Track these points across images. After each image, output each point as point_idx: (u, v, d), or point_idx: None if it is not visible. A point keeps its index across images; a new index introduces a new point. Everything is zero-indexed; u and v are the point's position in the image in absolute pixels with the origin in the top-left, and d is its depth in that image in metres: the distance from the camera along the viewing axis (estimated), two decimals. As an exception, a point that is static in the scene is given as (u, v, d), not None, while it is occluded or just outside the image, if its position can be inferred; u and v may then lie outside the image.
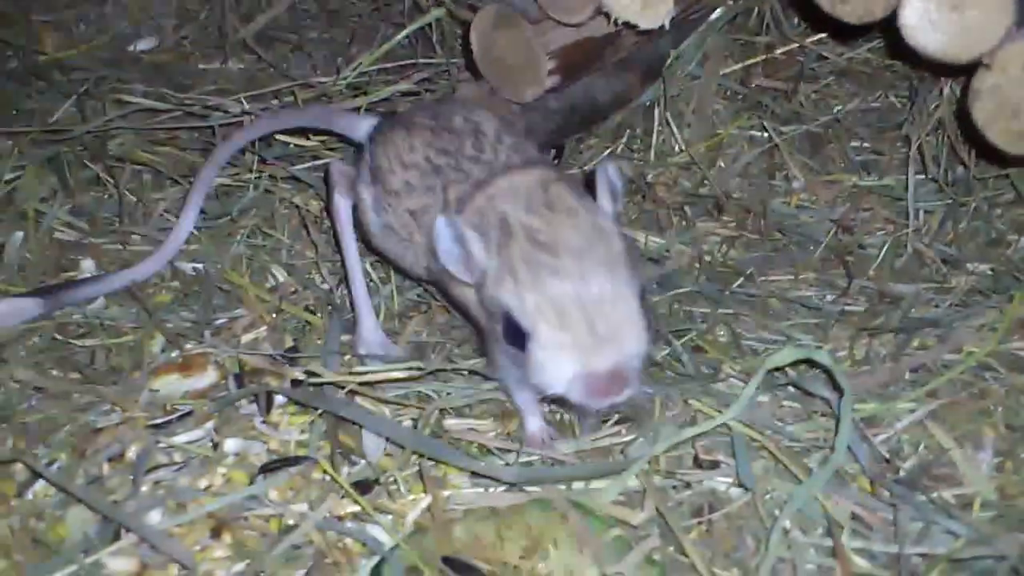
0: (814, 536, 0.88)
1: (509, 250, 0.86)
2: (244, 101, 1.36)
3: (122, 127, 1.40)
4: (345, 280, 1.13)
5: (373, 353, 1.08)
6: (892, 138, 1.31)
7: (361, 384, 1.01)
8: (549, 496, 0.91)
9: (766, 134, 1.33)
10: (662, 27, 1.05)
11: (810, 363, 0.99)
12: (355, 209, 1.12)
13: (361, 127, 1.15)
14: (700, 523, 0.91)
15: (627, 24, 1.06)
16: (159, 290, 1.18)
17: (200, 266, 1.21)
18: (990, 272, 1.14)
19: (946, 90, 1.18)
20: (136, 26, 1.67)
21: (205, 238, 1.24)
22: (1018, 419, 0.98)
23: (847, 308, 1.13)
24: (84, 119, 1.41)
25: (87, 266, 1.22)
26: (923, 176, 1.24)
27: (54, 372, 1.07)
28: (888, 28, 0.94)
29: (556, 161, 1.29)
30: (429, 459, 0.95)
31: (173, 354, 1.09)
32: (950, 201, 1.21)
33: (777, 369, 1.01)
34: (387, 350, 1.08)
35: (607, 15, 1.07)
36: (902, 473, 0.93)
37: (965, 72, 0.93)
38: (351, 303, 1.13)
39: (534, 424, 0.99)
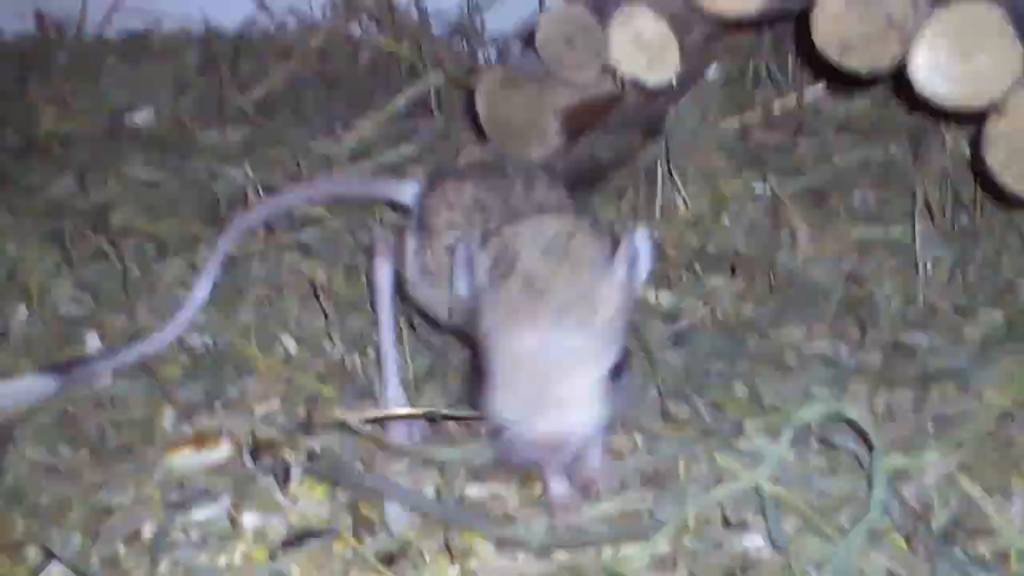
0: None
1: (504, 285, 0.86)
2: (248, 169, 1.35)
3: (123, 199, 1.40)
4: (377, 347, 1.13)
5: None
6: (895, 189, 1.31)
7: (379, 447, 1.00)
8: (580, 562, 0.89)
9: (769, 190, 1.34)
10: (668, 85, 1.06)
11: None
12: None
13: (407, 188, 1.18)
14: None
15: (633, 83, 1.07)
16: (168, 363, 1.17)
17: (208, 340, 1.20)
18: (1002, 320, 1.14)
19: (948, 139, 1.19)
20: (133, 99, 1.67)
21: (211, 309, 1.23)
22: (1048, 468, 0.97)
23: (863, 360, 1.13)
24: (85, 192, 1.40)
25: (92, 340, 1.21)
26: (930, 226, 1.24)
27: (65, 450, 1.05)
28: (897, 78, 0.95)
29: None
30: (454, 528, 0.93)
31: (185, 428, 1.07)
32: (957, 250, 1.21)
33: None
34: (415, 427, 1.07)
35: (613, 74, 1.07)
36: (935, 527, 0.92)
37: (976, 119, 0.94)
38: (377, 364, 1.12)
39: (558, 488, 0.97)
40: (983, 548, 0.90)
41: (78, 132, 1.58)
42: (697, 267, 1.25)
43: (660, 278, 1.24)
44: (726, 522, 0.95)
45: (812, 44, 0.98)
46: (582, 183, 1.31)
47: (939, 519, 0.93)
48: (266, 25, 1.76)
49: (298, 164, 1.43)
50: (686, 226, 1.31)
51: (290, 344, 1.20)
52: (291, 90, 1.65)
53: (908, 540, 0.90)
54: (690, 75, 1.25)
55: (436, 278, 1.05)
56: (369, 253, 1.16)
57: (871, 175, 1.34)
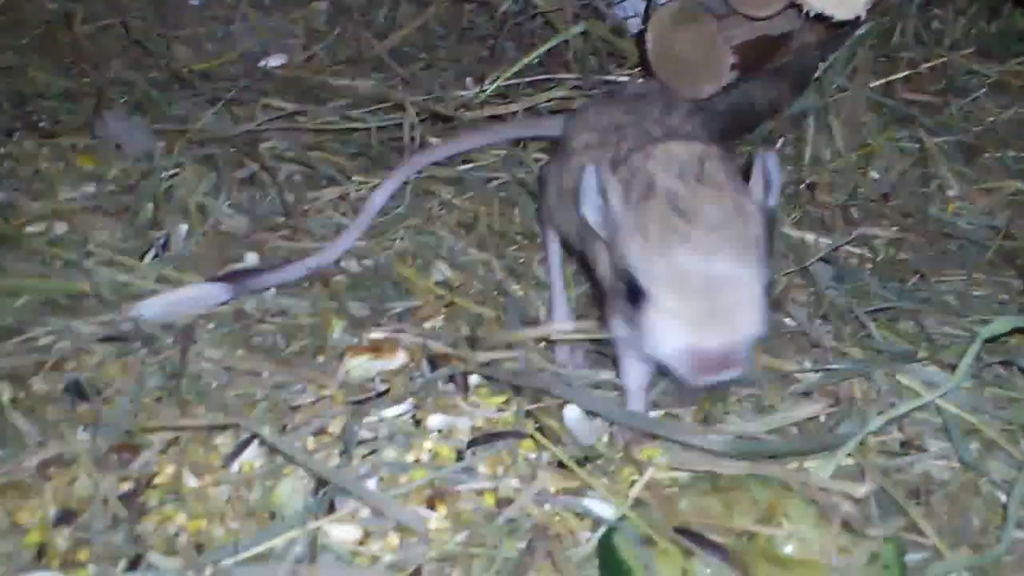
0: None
1: (646, 208, 0.85)
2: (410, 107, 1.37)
3: (269, 132, 1.42)
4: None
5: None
6: (1045, 147, 1.32)
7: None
8: (773, 471, 0.90)
9: (917, 145, 1.34)
10: (856, 19, 1.07)
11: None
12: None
13: (559, 122, 1.20)
14: (919, 503, 0.90)
15: (819, 17, 1.08)
16: (332, 282, 1.18)
17: (368, 262, 1.21)
18: None
19: None
20: (264, 45, 1.69)
21: (368, 236, 1.25)
22: None
23: (1024, 306, 1.13)
24: (234, 123, 1.43)
25: (251, 259, 1.23)
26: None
27: (241, 352, 1.07)
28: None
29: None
30: (643, 435, 0.94)
31: (352, 339, 1.09)
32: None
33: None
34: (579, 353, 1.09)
35: (799, 8, 1.08)
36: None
37: None
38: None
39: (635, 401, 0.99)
40: None
41: (216, 72, 1.60)
42: (853, 212, 1.26)
43: (815, 221, 1.26)
44: (904, 445, 0.96)
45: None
46: (738, 126, 1.32)
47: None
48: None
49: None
50: (836, 175, 1.31)
51: (446, 270, 1.21)
52: (422, 42, 1.67)
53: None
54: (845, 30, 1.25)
55: (566, 203, 1.05)
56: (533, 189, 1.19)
57: (1021, 133, 1.34)
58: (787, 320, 1.09)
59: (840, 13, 1.06)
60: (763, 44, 1.18)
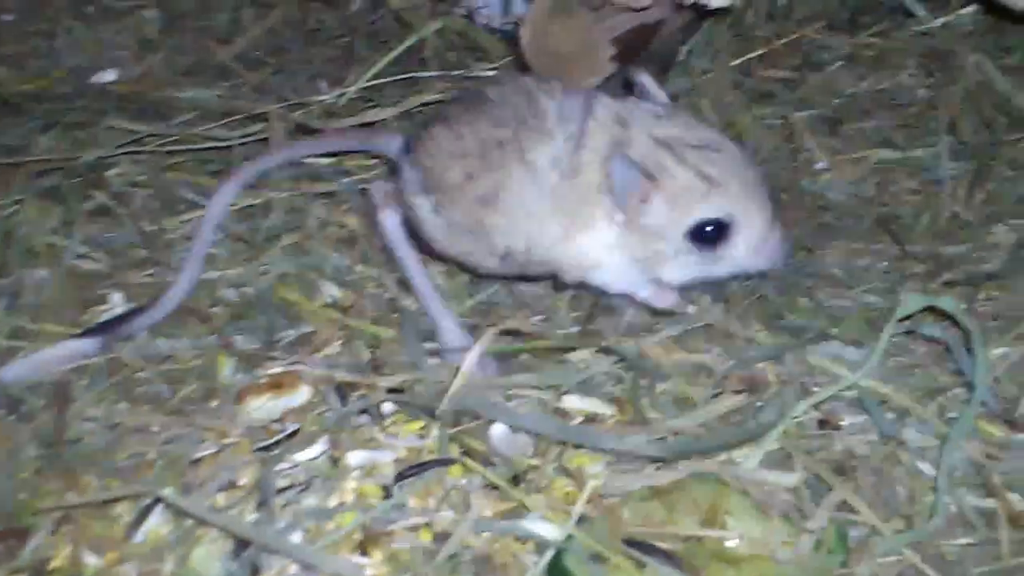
0: (964, 479, 0.91)
1: (688, 161, 0.95)
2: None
3: (116, 157, 1.31)
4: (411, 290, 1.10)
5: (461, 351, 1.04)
6: (906, 115, 1.36)
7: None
8: (706, 468, 0.90)
9: (781, 121, 1.36)
10: (724, 9, 1.07)
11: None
12: (408, 222, 1.09)
13: (394, 144, 1.15)
14: (846, 480, 0.91)
15: (694, 5, 1.07)
16: (213, 315, 1.11)
17: (248, 289, 1.14)
18: (1029, 226, 1.20)
19: (973, 61, 1.24)
20: (92, 59, 1.57)
21: (241, 261, 1.18)
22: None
23: (908, 270, 1.17)
24: (74, 150, 1.31)
25: (116, 300, 1.13)
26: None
27: (123, 407, 0.99)
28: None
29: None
30: (574, 446, 0.92)
31: (242, 376, 1.02)
32: (976, 166, 1.27)
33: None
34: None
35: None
36: (1021, 412, 0.97)
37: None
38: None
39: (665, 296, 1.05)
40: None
41: (45, 93, 1.47)
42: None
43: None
44: (824, 422, 0.97)
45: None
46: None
47: (1022, 404, 0.98)
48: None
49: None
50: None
51: (333, 290, 1.15)
52: (271, 44, 1.58)
53: (1012, 425, 0.94)
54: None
55: (468, 231, 1.03)
56: (370, 210, 1.13)
57: (881, 104, 1.38)
58: (690, 309, 1.09)
59: (716, 1, 1.06)
60: (639, 33, 1.17)
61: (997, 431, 0.95)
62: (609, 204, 0.98)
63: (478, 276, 1.13)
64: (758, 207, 0.98)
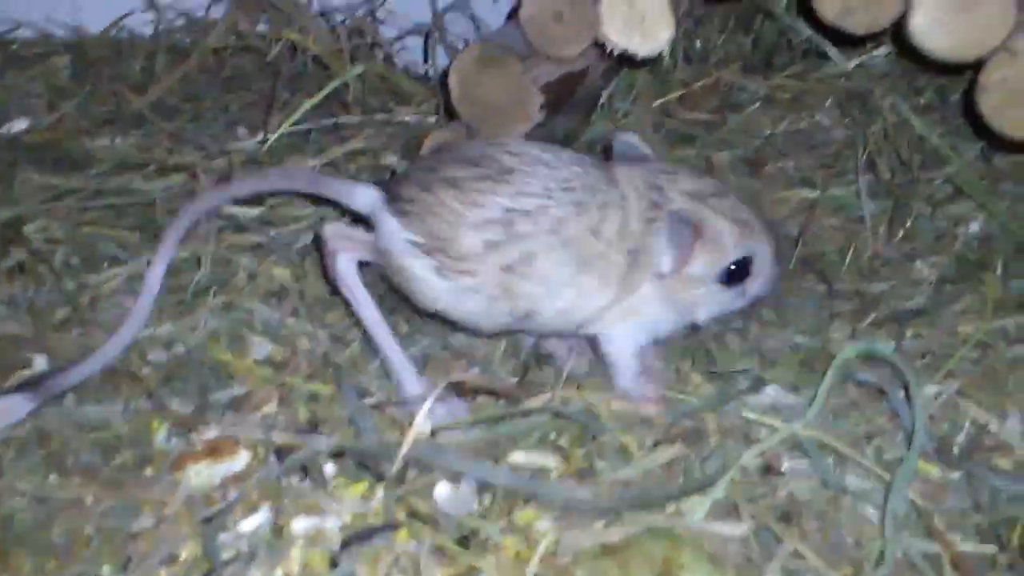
0: (908, 523, 0.92)
1: (718, 209, 1.02)
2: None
3: (32, 212, 1.27)
4: (369, 340, 1.08)
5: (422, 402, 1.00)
6: (824, 155, 1.40)
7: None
8: (656, 523, 0.90)
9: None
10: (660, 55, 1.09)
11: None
12: (385, 276, 1.09)
13: (360, 195, 1.08)
14: (791, 527, 0.93)
15: (624, 57, 1.09)
16: (144, 378, 1.07)
17: (179, 348, 1.11)
18: (948, 262, 1.24)
19: (889, 101, 1.29)
20: (2, 108, 1.52)
21: (169, 319, 1.14)
22: (1032, 387, 1.07)
23: (835, 309, 1.19)
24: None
25: (40, 364, 1.09)
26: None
27: (54, 479, 0.95)
28: (895, 34, 1.02)
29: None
30: (523, 500, 0.91)
31: (184, 443, 1.00)
32: (896, 204, 1.31)
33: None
34: (446, 402, 1.03)
35: (604, 49, 1.09)
36: (956, 451, 0.99)
37: (971, 68, 1.01)
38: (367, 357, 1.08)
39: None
40: (1001, 463, 0.98)
41: (-57, 145, 1.42)
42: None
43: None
44: (767, 469, 0.99)
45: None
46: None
47: (956, 442, 1.00)
48: (143, 24, 1.65)
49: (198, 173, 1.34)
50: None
51: (266, 347, 1.13)
52: (186, 91, 1.55)
53: (948, 463, 0.96)
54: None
55: (487, 296, 1.02)
56: (322, 253, 1.09)
57: (799, 143, 1.41)
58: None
59: (644, 50, 1.08)
60: (567, 81, 1.18)
61: (934, 470, 0.98)
62: (655, 261, 1.02)
63: (473, 334, 1.13)
64: (768, 239, 1.06)
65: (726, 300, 1.07)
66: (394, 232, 1.04)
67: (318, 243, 1.11)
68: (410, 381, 1.05)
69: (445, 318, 1.09)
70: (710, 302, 1.06)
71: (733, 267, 1.04)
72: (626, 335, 1.06)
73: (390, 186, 1.07)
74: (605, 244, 1.00)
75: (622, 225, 1.01)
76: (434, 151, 1.14)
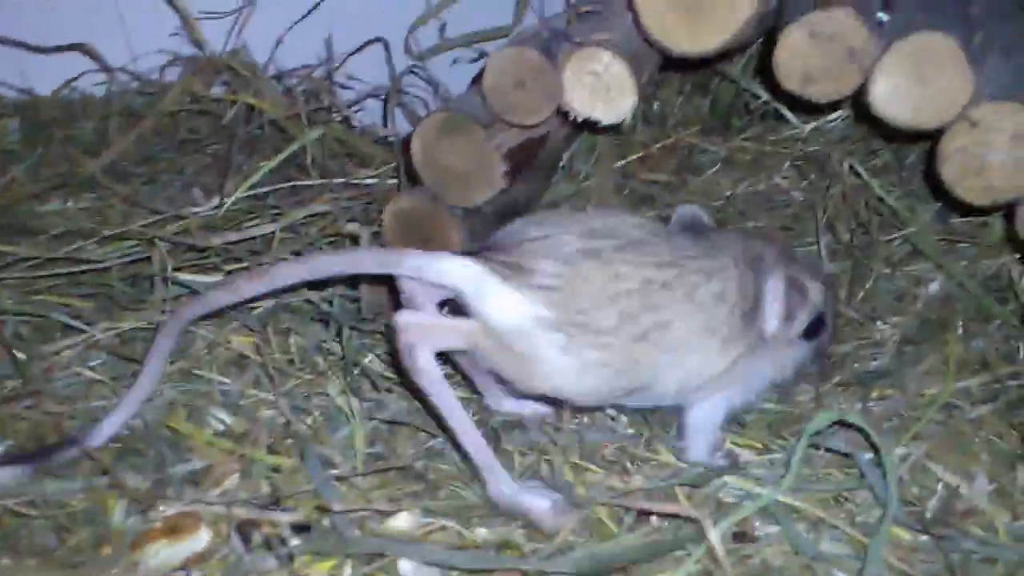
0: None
1: (804, 269, 1.08)
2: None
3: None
4: (452, 439, 1.01)
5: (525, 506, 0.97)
6: (784, 216, 1.41)
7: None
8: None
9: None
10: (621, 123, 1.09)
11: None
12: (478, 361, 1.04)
13: (454, 270, 0.98)
14: (766, 597, 0.92)
15: (586, 122, 1.09)
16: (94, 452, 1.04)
17: (135, 421, 1.08)
18: (910, 323, 1.25)
19: (847, 164, 1.30)
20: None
21: (124, 392, 1.11)
22: (997, 447, 1.07)
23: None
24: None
25: (-9, 435, 1.05)
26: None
27: (6, 564, 0.91)
28: (855, 101, 1.03)
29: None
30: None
31: (143, 521, 0.96)
32: (855, 265, 1.32)
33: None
34: (545, 495, 0.97)
35: (566, 115, 1.09)
36: (928, 515, 0.99)
37: (929, 138, 1.03)
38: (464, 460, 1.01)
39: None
40: (971, 525, 0.98)
41: None
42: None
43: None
44: (739, 535, 0.98)
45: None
46: (503, 224, 1.31)
47: (927, 506, 1.00)
48: (95, 86, 1.62)
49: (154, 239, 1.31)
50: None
51: (225, 418, 1.10)
52: (142, 154, 1.53)
53: (919, 527, 0.96)
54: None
55: (615, 369, 0.98)
56: (395, 346, 0.99)
57: (758, 205, 1.43)
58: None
59: (607, 118, 1.08)
60: (529, 146, 1.18)
61: (905, 534, 0.97)
62: (765, 323, 1.04)
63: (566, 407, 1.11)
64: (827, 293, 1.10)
65: (807, 355, 1.10)
66: (515, 307, 0.97)
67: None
68: (503, 480, 0.98)
69: (541, 396, 1.04)
70: (797, 359, 1.09)
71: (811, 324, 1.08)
72: (722, 402, 1.07)
73: (491, 258, 0.99)
74: (728, 309, 1.01)
75: (739, 289, 1.02)
76: (514, 222, 1.05)
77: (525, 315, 0.96)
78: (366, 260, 1.03)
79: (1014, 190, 1.02)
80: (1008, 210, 1.09)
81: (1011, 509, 1.00)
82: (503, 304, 0.97)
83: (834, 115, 1.44)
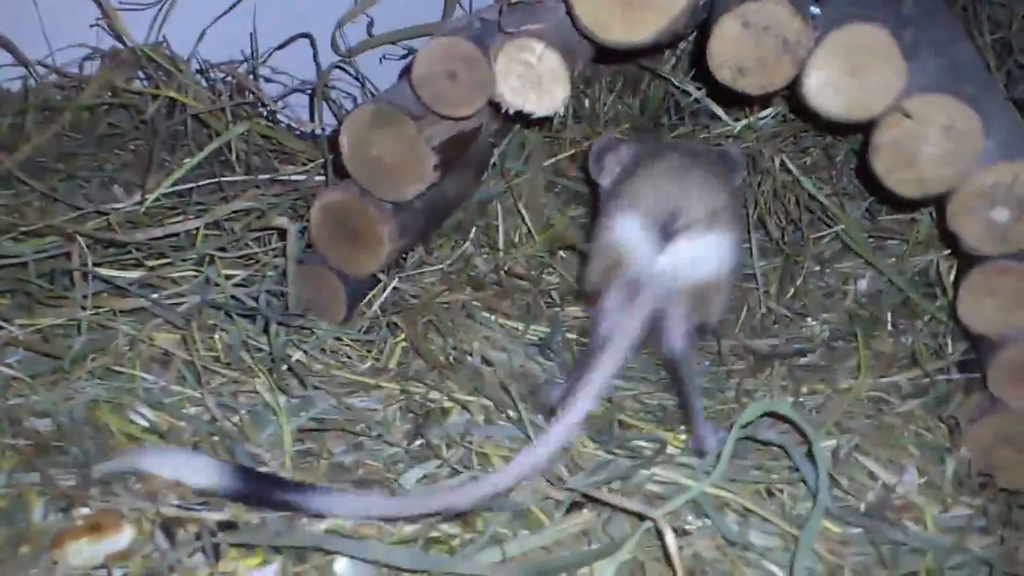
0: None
1: None
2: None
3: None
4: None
5: None
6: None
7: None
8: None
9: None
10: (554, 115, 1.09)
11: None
12: None
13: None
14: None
15: (519, 114, 1.08)
16: (20, 448, 0.99)
17: (62, 417, 1.03)
18: (839, 319, 1.27)
19: (778, 161, 1.31)
20: None
21: (44, 389, 1.07)
22: (926, 440, 1.08)
23: (731, 368, 1.20)
24: None
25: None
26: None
27: (-85, 566, 0.87)
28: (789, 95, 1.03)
29: (427, 253, 1.29)
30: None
31: (55, 517, 0.92)
32: (785, 263, 1.33)
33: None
34: None
35: (497, 107, 1.08)
36: (863, 508, 1.00)
37: (862, 130, 1.04)
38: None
39: None
40: (901, 516, 0.99)
41: None
42: (554, 295, 1.28)
43: (522, 308, 1.26)
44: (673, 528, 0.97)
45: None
46: (433, 221, 1.29)
47: (858, 497, 1.01)
48: (12, 80, 1.57)
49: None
50: (528, 260, 1.33)
51: (149, 415, 1.06)
52: (61, 150, 1.48)
53: (849, 519, 0.97)
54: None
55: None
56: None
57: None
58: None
59: (540, 110, 1.07)
60: (460, 140, 1.17)
61: (834, 527, 0.98)
62: None
63: None
64: None
65: None
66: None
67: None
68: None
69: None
70: None
71: None
72: None
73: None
74: None
75: None
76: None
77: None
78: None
79: (944, 182, 1.03)
80: (937, 204, 1.10)
81: (940, 501, 1.02)
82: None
83: (765, 112, 1.45)
